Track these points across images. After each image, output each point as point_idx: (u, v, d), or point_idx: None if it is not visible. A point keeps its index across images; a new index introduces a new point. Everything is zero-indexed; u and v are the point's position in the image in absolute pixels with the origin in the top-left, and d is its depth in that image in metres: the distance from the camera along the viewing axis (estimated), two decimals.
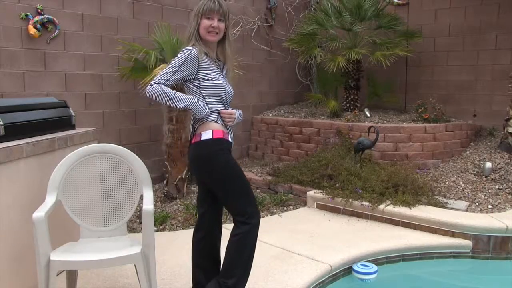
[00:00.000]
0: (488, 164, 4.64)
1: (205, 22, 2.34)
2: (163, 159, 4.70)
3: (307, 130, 5.60)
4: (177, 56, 2.34)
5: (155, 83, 2.29)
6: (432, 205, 4.01)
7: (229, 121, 2.44)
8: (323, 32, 6.06)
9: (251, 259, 2.41)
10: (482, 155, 5.11)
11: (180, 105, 2.29)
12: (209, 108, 2.37)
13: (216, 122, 2.39)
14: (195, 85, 2.37)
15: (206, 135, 2.35)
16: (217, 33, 2.37)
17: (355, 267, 3.21)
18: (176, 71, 2.31)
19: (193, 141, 2.41)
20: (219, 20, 2.36)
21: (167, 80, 2.30)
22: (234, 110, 2.50)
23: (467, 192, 4.34)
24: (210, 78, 2.36)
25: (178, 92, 2.32)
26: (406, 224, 3.85)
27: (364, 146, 4.63)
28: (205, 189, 2.50)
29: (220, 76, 2.42)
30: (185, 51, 2.33)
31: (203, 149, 2.36)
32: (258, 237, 3.32)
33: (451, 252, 3.55)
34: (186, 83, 2.39)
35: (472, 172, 4.78)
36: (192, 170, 2.42)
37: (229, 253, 2.38)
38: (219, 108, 2.41)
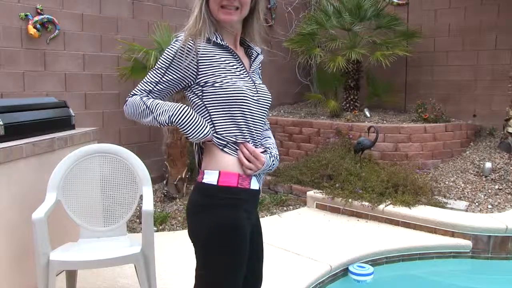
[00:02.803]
0: (488, 164, 4.64)
1: None
2: (163, 159, 4.70)
3: (307, 130, 5.59)
4: (164, 51, 1.51)
5: (131, 95, 1.54)
6: (432, 205, 4.01)
7: (250, 169, 1.50)
8: (323, 32, 6.05)
9: None
10: (482, 155, 5.11)
11: (162, 118, 1.46)
12: (216, 131, 1.50)
13: (229, 153, 1.50)
14: (197, 94, 1.51)
15: (210, 176, 1.49)
16: (237, 8, 1.49)
17: (351, 268, 3.20)
18: (162, 76, 1.50)
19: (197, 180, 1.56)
20: None
21: (150, 91, 1.51)
22: (261, 152, 1.55)
23: (467, 192, 4.34)
24: (218, 81, 1.47)
25: (162, 102, 1.50)
26: (406, 224, 3.85)
27: (364, 146, 4.63)
28: None
29: (239, 76, 1.51)
30: (175, 42, 1.50)
31: (201, 197, 1.52)
32: None
33: (451, 252, 3.55)
34: (186, 92, 1.56)
35: (472, 172, 4.78)
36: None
37: None
38: (235, 132, 1.50)
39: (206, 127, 1.47)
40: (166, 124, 1.46)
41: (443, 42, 6.10)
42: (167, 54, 1.50)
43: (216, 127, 1.49)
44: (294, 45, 6.07)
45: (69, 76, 4.37)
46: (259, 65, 1.68)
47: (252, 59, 1.62)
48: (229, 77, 1.48)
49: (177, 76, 1.49)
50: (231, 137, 1.49)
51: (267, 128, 1.71)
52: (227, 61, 1.50)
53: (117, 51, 4.64)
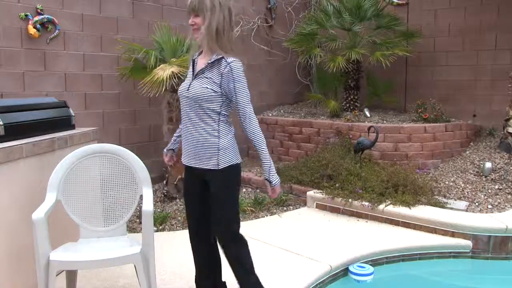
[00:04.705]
0: (488, 164, 4.64)
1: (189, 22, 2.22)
2: (163, 159, 4.69)
3: (307, 130, 5.59)
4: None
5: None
6: (432, 205, 4.01)
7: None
8: (323, 32, 6.06)
9: None
10: (482, 155, 5.11)
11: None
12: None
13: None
14: None
15: None
16: (196, 29, 2.19)
17: (351, 268, 3.20)
18: None
19: None
20: (195, 15, 2.18)
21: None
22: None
23: (467, 192, 4.34)
24: None
25: (178, 132, 2.53)
26: (406, 224, 3.85)
27: (364, 146, 4.63)
28: None
29: (187, 78, 2.33)
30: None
31: None
32: (258, 237, 3.36)
33: (451, 252, 3.55)
34: None
35: (472, 172, 4.78)
36: None
37: None
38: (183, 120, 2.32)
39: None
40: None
41: (443, 42, 6.10)
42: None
43: None
44: (294, 45, 6.07)
45: (69, 76, 4.37)
46: (218, 72, 2.19)
47: (201, 67, 2.24)
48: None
49: None
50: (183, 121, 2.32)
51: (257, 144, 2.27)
52: (189, 71, 2.31)
53: (117, 51, 4.64)
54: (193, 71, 2.27)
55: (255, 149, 2.24)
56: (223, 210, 2.26)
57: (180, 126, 2.43)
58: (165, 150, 2.63)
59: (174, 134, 2.62)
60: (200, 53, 2.30)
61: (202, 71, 2.21)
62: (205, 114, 2.20)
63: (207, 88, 2.16)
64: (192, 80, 2.24)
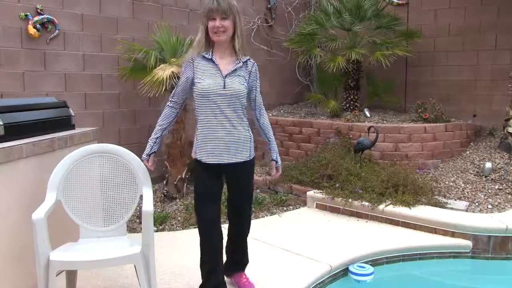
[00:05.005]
0: (488, 164, 4.64)
1: (210, 24, 2.33)
2: (163, 159, 4.69)
3: (307, 130, 5.59)
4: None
5: (167, 105, 2.53)
6: (432, 205, 4.01)
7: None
8: (323, 32, 6.06)
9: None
10: (482, 155, 5.11)
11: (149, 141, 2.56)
12: (197, 112, 2.44)
13: (196, 139, 2.48)
14: (193, 90, 2.45)
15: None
16: (223, 32, 2.33)
17: (351, 268, 3.20)
18: (181, 82, 2.46)
19: None
20: (222, 18, 2.31)
21: (177, 95, 2.50)
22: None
23: (467, 192, 4.34)
24: (197, 82, 2.38)
25: (151, 138, 2.56)
26: (406, 224, 3.85)
27: (364, 146, 4.63)
28: None
29: (211, 77, 2.37)
30: (184, 60, 2.50)
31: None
32: (258, 237, 3.37)
33: (451, 252, 3.55)
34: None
35: (472, 172, 4.78)
36: None
37: None
38: (204, 115, 2.40)
39: (147, 150, 2.57)
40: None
41: (443, 42, 6.10)
42: (183, 67, 2.47)
43: (196, 109, 2.43)
44: (294, 45, 6.07)
45: (69, 76, 4.38)
46: (246, 71, 2.47)
47: (234, 66, 2.42)
48: (202, 78, 2.37)
49: (184, 79, 2.45)
50: (203, 116, 2.42)
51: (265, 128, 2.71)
52: (204, 68, 2.40)
53: (117, 51, 4.64)
54: (219, 70, 2.39)
55: (267, 138, 2.66)
56: (249, 190, 2.66)
57: (160, 127, 2.55)
58: (145, 155, 2.57)
59: (152, 137, 2.57)
60: (209, 53, 2.42)
61: (235, 70, 2.40)
62: (240, 110, 2.43)
63: (243, 85, 2.42)
64: (224, 78, 2.37)
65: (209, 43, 2.42)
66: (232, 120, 2.40)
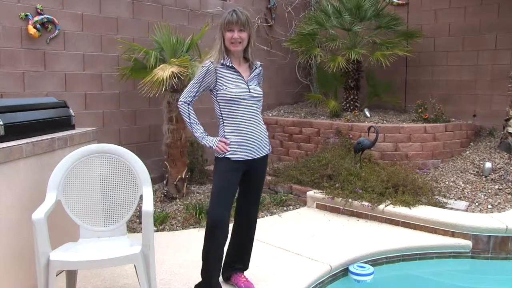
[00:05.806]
0: (488, 164, 4.64)
1: (228, 35, 2.53)
2: (163, 159, 4.70)
3: (307, 130, 5.60)
4: (198, 72, 2.62)
5: (183, 102, 2.61)
6: (432, 205, 4.01)
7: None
8: (323, 32, 6.06)
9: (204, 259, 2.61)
10: (482, 155, 5.11)
11: (196, 134, 2.62)
12: (223, 115, 2.60)
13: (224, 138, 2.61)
14: (214, 94, 2.61)
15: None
16: (240, 43, 2.55)
17: (351, 268, 3.20)
18: (199, 86, 2.59)
19: None
20: (240, 30, 2.52)
21: (193, 96, 2.61)
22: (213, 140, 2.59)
23: (467, 192, 4.34)
24: (224, 88, 2.55)
25: (196, 123, 2.61)
26: (406, 224, 3.85)
27: (364, 146, 4.63)
28: None
29: (236, 83, 2.56)
30: (203, 67, 2.59)
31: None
32: (258, 237, 3.35)
33: (451, 252, 3.55)
34: (210, 91, 2.65)
35: (472, 172, 4.78)
36: None
37: None
38: (232, 117, 2.58)
39: (212, 141, 2.60)
40: (195, 137, 2.63)
41: (443, 42, 6.10)
42: (200, 73, 2.58)
43: (223, 110, 2.60)
44: (294, 45, 6.07)
45: (69, 76, 4.38)
46: (257, 74, 2.72)
47: (251, 72, 2.67)
48: (228, 84, 2.57)
49: (205, 86, 2.60)
50: (232, 115, 2.59)
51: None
52: (228, 75, 2.59)
53: (117, 51, 4.64)
54: (242, 76, 2.62)
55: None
56: (262, 185, 2.85)
57: (193, 116, 2.62)
58: (218, 139, 2.62)
59: (198, 128, 2.63)
60: (228, 60, 2.59)
61: (253, 75, 2.67)
62: (259, 108, 2.72)
63: (259, 86, 2.73)
64: (247, 83, 2.61)
65: (225, 52, 2.62)
66: (259, 119, 2.70)
